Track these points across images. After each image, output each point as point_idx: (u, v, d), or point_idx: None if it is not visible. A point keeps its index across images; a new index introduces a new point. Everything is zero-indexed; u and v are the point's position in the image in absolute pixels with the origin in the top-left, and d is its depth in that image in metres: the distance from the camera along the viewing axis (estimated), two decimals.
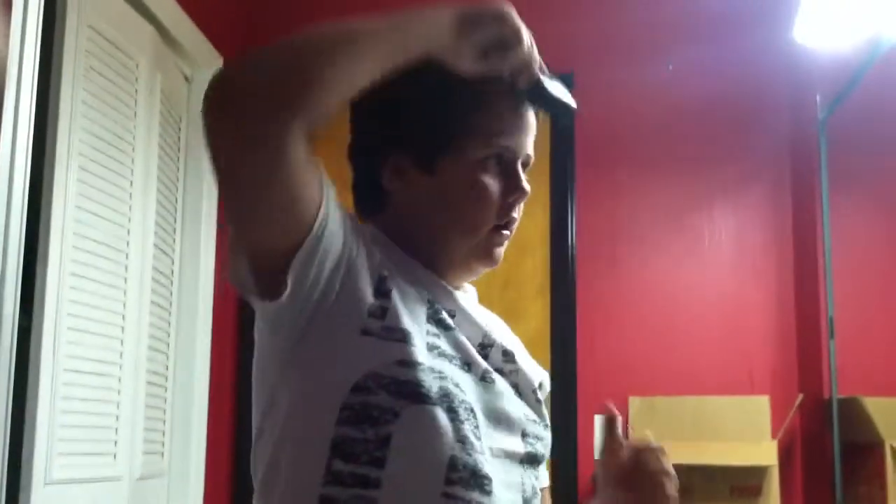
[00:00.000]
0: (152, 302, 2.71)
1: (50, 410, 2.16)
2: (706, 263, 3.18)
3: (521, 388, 1.23)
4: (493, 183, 1.19)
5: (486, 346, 1.21)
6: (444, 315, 1.18)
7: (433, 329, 1.14)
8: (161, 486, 2.87)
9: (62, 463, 2.20)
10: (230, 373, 3.15)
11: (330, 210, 1.07)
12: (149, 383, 2.69)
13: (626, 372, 3.10)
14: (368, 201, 1.24)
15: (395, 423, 1.05)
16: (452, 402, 1.08)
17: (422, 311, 1.15)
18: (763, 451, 2.76)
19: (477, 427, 1.10)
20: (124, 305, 2.51)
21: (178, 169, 3.00)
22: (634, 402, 3.04)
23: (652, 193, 3.23)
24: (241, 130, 0.99)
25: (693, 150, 3.23)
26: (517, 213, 1.23)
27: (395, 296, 1.12)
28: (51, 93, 2.24)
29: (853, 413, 2.74)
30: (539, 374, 1.28)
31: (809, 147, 3.02)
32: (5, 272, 1.93)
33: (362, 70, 1.03)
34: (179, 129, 3.03)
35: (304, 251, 1.05)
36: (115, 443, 2.47)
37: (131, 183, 2.57)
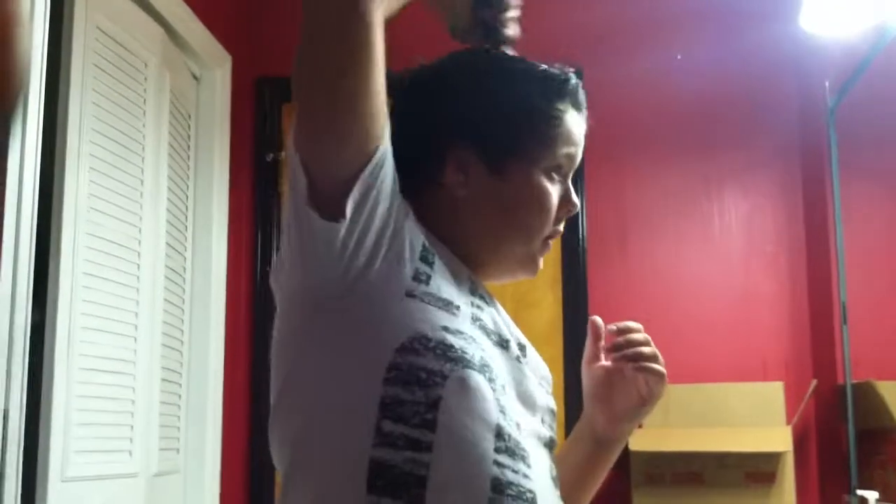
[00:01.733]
0: (165, 300, 2.73)
1: (65, 408, 2.18)
2: (717, 251, 3.18)
3: (535, 380, 1.22)
4: (554, 194, 1.20)
5: (508, 335, 1.20)
6: (484, 293, 1.18)
7: (476, 301, 1.14)
8: (177, 483, 2.89)
9: (78, 460, 2.22)
10: (244, 369, 3.16)
11: (388, 148, 1.06)
12: (163, 380, 2.71)
13: None
14: (409, 188, 1.14)
15: (444, 387, 1.03)
16: (492, 373, 1.07)
17: (465, 283, 1.14)
18: (777, 438, 2.75)
19: (510, 401, 1.09)
20: (137, 304, 2.53)
21: (188, 167, 3.02)
22: None
23: (662, 183, 3.23)
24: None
25: (702, 140, 3.23)
26: (562, 226, 1.24)
27: (439, 264, 1.11)
28: (60, 94, 2.25)
29: (867, 398, 2.73)
30: (546, 368, 1.28)
31: (819, 134, 3.01)
32: (17, 271, 1.95)
33: None
34: (189, 128, 3.04)
35: (364, 179, 1.03)
36: (131, 440, 2.49)
37: (142, 182, 2.58)
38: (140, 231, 2.56)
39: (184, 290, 2.96)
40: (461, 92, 1.19)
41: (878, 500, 2.43)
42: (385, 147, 1.06)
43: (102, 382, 2.36)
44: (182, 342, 2.93)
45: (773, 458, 2.74)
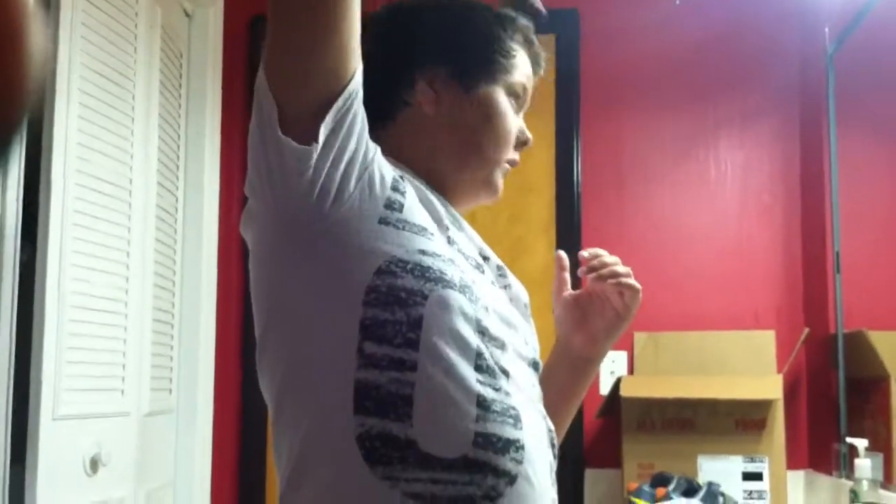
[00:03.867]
0: (157, 239, 2.71)
1: (56, 346, 2.17)
2: (712, 199, 3.16)
3: (515, 302, 1.27)
4: (514, 119, 1.28)
5: (484, 258, 1.24)
6: (457, 216, 1.22)
7: (451, 225, 1.17)
8: (169, 422, 2.90)
9: (69, 399, 2.22)
10: (236, 308, 3.16)
11: (360, 80, 1.08)
12: (155, 320, 2.70)
13: None
14: (379, 111, 1.21)
15: (426, 306, 1.05)
16: (472, 294, 1.10)
17: (440, 209, 1.17)
18: (768, 386, 2.76)
19: (493, 322, 1.12)
20: (129, 242, 2.51)
21: (179, 105, 2.98)
22: (640, 338, 3.04)
23: (657, 130, 3.21)
24: None
25: (699, 86, 3.20)
26: (518, 156, 1.31)
27: (411, 193, 1.14)
28: (49, 27, 2.21)
29: (859, 347, 2.74)
30: (525, 292, 1.33)
31: (817, 81, 2.98)
32: (5, 209, 1.93)
33: None
34: (181, 66, 3.00)
35: (337, 107, 1.05)
36: (123, 379, 2.49)
37: (133, 120, 2.55)
38: (131, 169, 2.54)
39: (175, 231, 2.94)
40: (430, 17, 1.28)
41: (866, 449, 2.44)
42: (358, 79, 1.07)
43: (93, 321, 2.35)
44: (174, 282, 2.92)
45: (764, 406, 2.75)
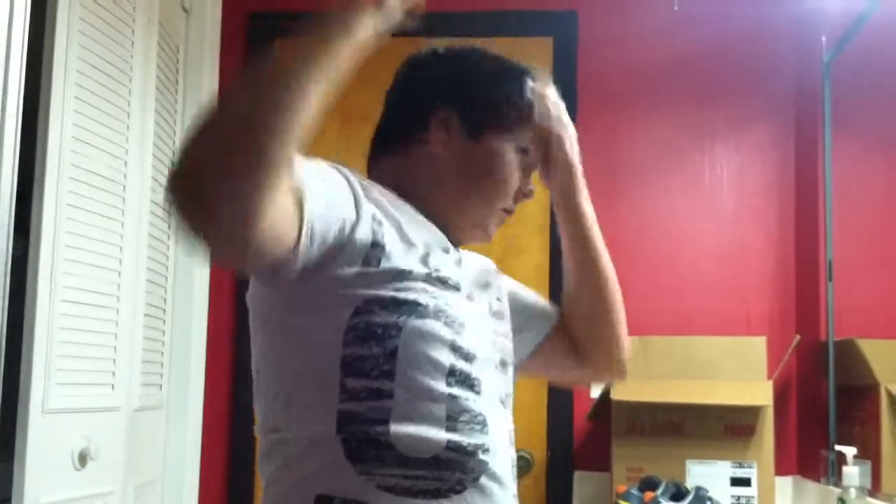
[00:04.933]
0: (150, 234, 2.71)
1: (47, 340, 2.16)
2: (707, 204, 3.17)
3: (482, 287, 1.37)
4: (517, 172, 1.38)
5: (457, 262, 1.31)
6: (448, 243, 1.31)
7: (433, 253, 1.24)
8: (159, 418, 2.89)
9: (59, 392, 2.21)
10: (228, 305, 3.15)
11: (317, 211, 1.09)
12: (147, 315, 2.70)
13: None
14: (395, 140, 1.37)
15: (400, 337, 1.15)
16: (447, 317, 1.19)
17: (422, 236, 1.24)
18: (758, 392, 2.76)
19: (466, 338, 1.22)
20: (122, 237, 2.51)
21: (175, 101, 2.98)
22: (631, 342, 3.04)
23: (653, 133, 3.21)
24: (218, 215, 0.95)
25: (696, 91, 3.20)
26: (515, 207, 1.41)
27: (391, 234, 1.19)
28: (46, 22, 2.21)
29: (849, 355, 2.74)
30: (484, 260, 1.45)
31: (814, 89, 2.99)
32: None
33: (302, 105, 1.04)
34: (178, 61, 3.00)
35: (303, 244, 1.08)
36: (113, 374, 2.48)
37: (128, 115, 2.55)
38: (125, 164, 2.54)
39: (168, 226, 2.93)
40: (451, 66, 1.40)
41: (855, 456, 2.45)
42: (310, 220, 1.08)
43: (85, 315, 2.35)
44: (166, 277, 2.92)
45: (753, 412, 2.75)
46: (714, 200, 3.16)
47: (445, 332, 1.19)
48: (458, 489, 1.17)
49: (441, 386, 1.17)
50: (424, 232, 1.27)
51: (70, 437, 2.28)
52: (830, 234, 2.86)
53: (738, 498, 2.73)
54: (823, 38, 2.92)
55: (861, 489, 2.39)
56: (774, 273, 3.11)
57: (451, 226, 1.35)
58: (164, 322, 2.91)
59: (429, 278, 1.20)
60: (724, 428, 2.77)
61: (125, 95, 2.53)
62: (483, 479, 1.20)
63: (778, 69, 3.18)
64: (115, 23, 2.48)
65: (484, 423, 1.21)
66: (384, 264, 1.17)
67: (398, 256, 1.18)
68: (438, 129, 1.34)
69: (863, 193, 2.88)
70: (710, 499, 2.57)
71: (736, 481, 2.74)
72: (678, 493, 2.58)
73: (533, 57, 3.21)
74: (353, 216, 1.15)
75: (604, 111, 3.20)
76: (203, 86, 3.08)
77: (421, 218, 1.29)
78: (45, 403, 2.16)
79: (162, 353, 2.89)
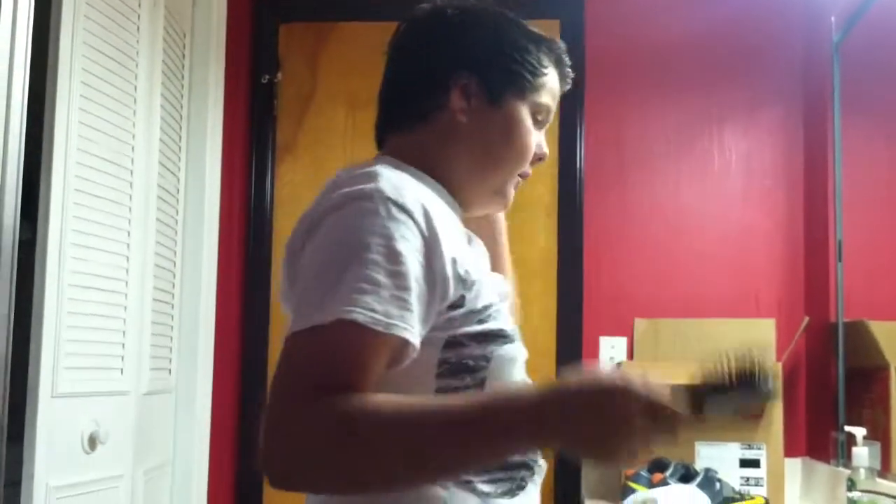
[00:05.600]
0: (158, 219, 2.72)
1: (56, 324, 2.17)
2: (715, 186, 3.16)
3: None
4: (534, 135, 1.36)
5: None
6: (465, 231, 1.32)
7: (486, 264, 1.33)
8: (168, 402, 2.90)
9: (68, 377, 2.22)
10: (236, 288, 3.16)
11: (414, 329, 1.10)
12: (155, 300, 2.71)
13: (632, 294, 3.10)
14: (411, 113, 1.33)
15: (489, 368, 1.19)
16: (515, 335, 1.25)
17: (463, 236, 1.27)
18: None
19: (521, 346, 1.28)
20: (129, 222, 2.52)
21: (182, 86, 2.98)
22: (640, 324, 3.04)
23: (662, 116, 3.20)
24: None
25: (705, 73, 3.19)
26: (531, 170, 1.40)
27: (468, 282, 1.18)
28: (52, 7, 2.21)
29: (859, 337, 2.73)
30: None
31: (822, 70, 2.97)
32: (5, 186, 1.92)
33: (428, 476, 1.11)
34: (184, 46, 3.00)
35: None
36: (122, 358, 2.49)
37: (135, 100, 2.55)
38: (132, 149, 2.54)
39: (177, 211, 2.94)
40: (470, 26, 1.34)
41: (865, 437, 2.44)
42: (410, 337, 1.09)
43: (93, 300, 2.35)
44: (174, 262, 2.92)
45: None
46: (722, 182, 3.15)
47: (518, 353, 1.25)
48: (522, 486, 1.23)
49: None
50: (470, 248, 1.29)
51: (79, 420, 2.29)
52: (840, 215, 2.85)
53: (748, 479, 2.73)
54: (832, 19, 2.90)
55: (870, 470, 2.38)
56: (783, 255, 3.10)
57: (471, 196, 1.35)
58: (173, 306, 2.91)
59: (500, 300, 1.24)
60: (732, 410, 2.76)
61: (132, 80, 2.53)
62: (536, 475, 1.26)
63: (786, 50, 3.16)
64: (121, 8, 2.48)
65: None
66: (469, 306, 1.18)
67: (476, 297, 1.20)
68: (459, 97, 1.30)
69: (872, 174, 2.86)
70: (719, 480, 2.57)
71: (745, 462, 2.74)
72: (687, 474, 2.58)
73: None
74: (438, 301, 1.16)
75: (611, 94, 3.19)
76: (209, 70, 3.08)
77: (455, 221, 1.27)
78: (54, 387, 2.16)
79: (171, 338, 2.90)
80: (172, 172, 2.88)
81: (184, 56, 2.99)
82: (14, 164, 1.95)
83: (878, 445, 2.51)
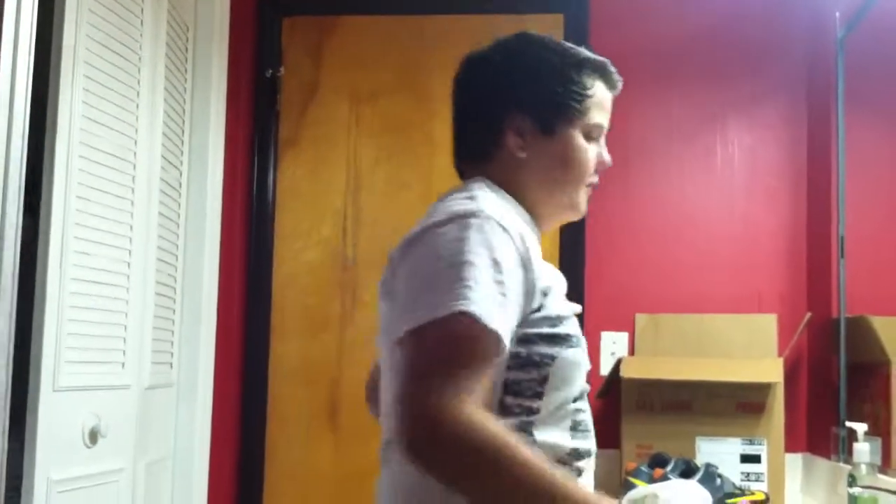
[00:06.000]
0: (160, 213, 2.72)
1: (58, 318, 2.17)
2: (718, 182, 3.15)
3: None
4: (591, 150, 1.53)
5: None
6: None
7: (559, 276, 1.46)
8: (170, 396, 2.91)
9: (70, 370, 2.23)
10: (239, 284, 3.16)
11: (506, 329, 1.26)
12: (157, 294, 2.71)
13: (633, 289, 3.10)
14: (477, 151, 1.51)
15: (553, 365, 1.35)
16: (581, 342, 1.41)
17: (554, 274, 1.43)
18: (769, 369, 2.76)
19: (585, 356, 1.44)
20: (132, 216, 2.52)
21: (185, 79, 2.98)
22: (641, 319, 3.04)
23: (665, 111, 3.19)
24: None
25: (708, 69, 3.18)
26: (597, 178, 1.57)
27: (552, 287, 1.37)
28: (55, 1, 2.21)
29: (860, 332, 2.73)
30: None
31: (827, 66, 2.96)
32: (8, 181, 1.93)
33: None
34: (187, 39, 3.00)
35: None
36: (124, 352, 2.49)
37: (138, 94, 2.55)
38: (135, 143, 2.54)
39: (179, 205, 2.94)
40: (512, 71, 1.50)
41: (865, 433, 2.44)
42: (504, 338, 1.24)
43: (95, 294, 2.35)
44: (177, 256, 2.93)
45: (764, 389, 2.75)
46: (726, 178, 3.15)
47: (582, 359, 1.40)
48: (580, 473, 1.39)
49: (572, 401, 1.39)
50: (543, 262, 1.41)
51: (81, 414, 2.30)
52: (843, 211, 2.85)
53: (748, 475, 2.73)
54: (837, 14, 2.90)
55: (871, 466, 2.38)
56: (786, 250, 3.10)
57: (545, 213, 1.52)
58: (175, 301, 2.92)
59: (571, 312, 1.40)
60: (734, 405, 2.77)
61: (134, 74, 2.53)
62: (585, 475, 1.41)
63: (790, 45, 3.16)
64: (124, 1, 2.48)
65: (589, 428, 1.42)
66: (545, 312, 1.35)
67: (551, 305, 1.36)
68: (514, 136, 1.47)
69: (875, 170, 2.86)
70: (719, 475, 2.57)
71: (746, 458, 2.74)
72: (688, 469, 2.58)
73: (542, 31, 3.20)
74: (528, 307, 1.33)
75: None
76: (212, 64, 3.08)
77: (535, 238, 1.46)
78: (55, 381, 2.17)
79: (172, 332, 2.90)
80: (175, 166, 2.89)
81: (187, 50, 2.99)
82: (17, 157, 1.95)
83: (878, 441, 2.51)
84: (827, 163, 2.94)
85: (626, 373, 2.78)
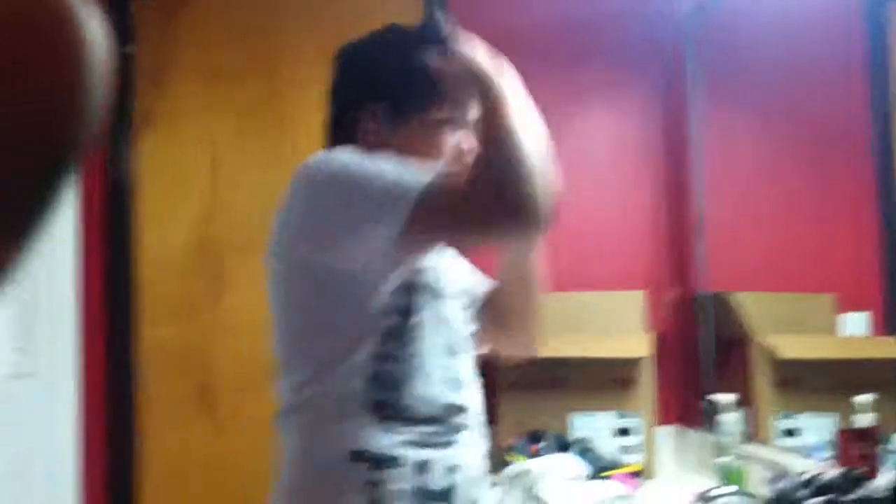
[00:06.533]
0: None
1: None
2: (582, 165, 3.20)
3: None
4: (442, 141, 1.55)
5: None
6: None
7: None
8: (32, 387, 2.78)
9: None
10: (98, 264, 3.04)
11: None
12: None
13: None
14: (341, 135, 1.57)
15: (420, 314, 1.46)
16: (444, 298, 1.55)
17: None
18: (638, 344, 2.82)
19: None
20: None
21: None
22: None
23: (529, 93, 3.21)
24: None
25: (570, 51, 3.22)
26: None
27: None
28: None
29: (722, 307, 2.83)
30: None
31: (678, 47, 3.05)
32: None
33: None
34: None
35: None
36: None
37: None
38: None
39: None
40: (365, 62, 1.60)
41: (732, 404, 2.53)
42: None
43: None
44: None
45: (634, 364, 2.81)
46: (591, 162, 3.20)
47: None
48: (450, 441, 1.47)
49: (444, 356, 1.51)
50: None
51: None
52: (702, 191, 2.94)
53: (623, 448, 2.79)
54: None
55: (738, 435, 2.47)
56: (650, 230, 3.17)
57: None
58: (31, 290, 2.79)
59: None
60: (606, 380, 2.82)
61: None
62: (463, 433, 1.51)
63: (641, 26, 3.22)
64: None
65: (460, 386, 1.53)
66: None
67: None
68: (367, 120, 1.54)
69: (731, 148, 2.96)
70: (590, 449, 2.62)
71: (620, 431, 2.80)
72: (563, 445, 2.63)
73: (400, 13, 3.17)
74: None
75: None
76: None
77: None
78: None
79: (32, 322, 2.77)
80: None
81: None
82: None
83: (743, 412, 2.60)
84: (684, 144, 3.03)
85: (501, 351, 2.79)
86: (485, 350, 1.85)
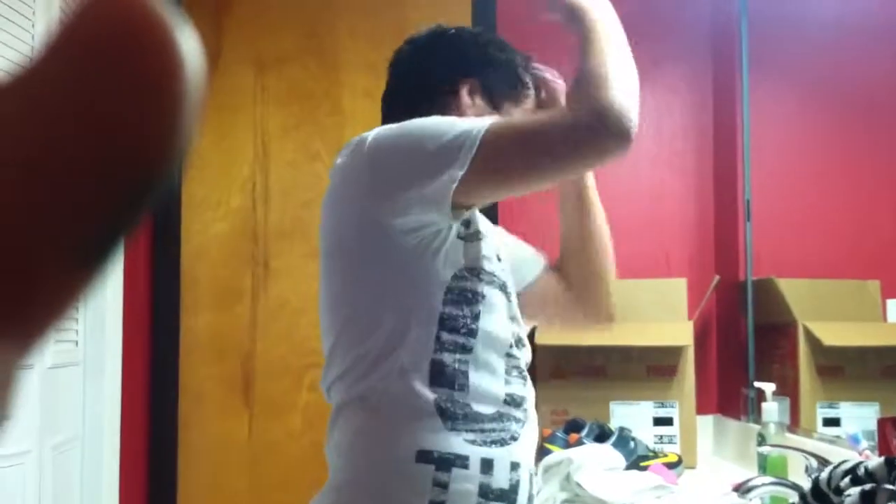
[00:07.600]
0: None
1: None
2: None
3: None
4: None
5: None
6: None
7: (489, 227, 1.58)
8: (76, 375, 2.83)
9: None
10: (145, 256, 3.08)
11: None
12: None
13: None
14: (418, 104, 1.55)
15: (483, 303, 1.44)
16: (507, 288, 1.54)
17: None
18: (679, 332, 2.79)
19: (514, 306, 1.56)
20: None
21: None
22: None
23: (568, 77, 3.19)
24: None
25: None
26: None
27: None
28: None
29: (768, 294, 2.78)
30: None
31: (731, 28, 2.99)
32: None
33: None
34: None
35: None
36: None
37: (34, 12, 2.46)
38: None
39: None
40: (467, 42, 1.66)
41: (774, 393, 2.49)
42: None
43: None
44: None
45: (674, 352, 2.78)
46: (633, 145, 3.16)
47: (504, 304, 1.51)
48: (515, 437, 1.45)
49: (506, 345, 1.48)
50: None
51: None
52: (749, 174, 2.89)
53: (661, 437, 2.76)
54: None
55: (780, 425, 2.43)
56: (694, 214, 3.13)
57: None
58: None
59: (488, 241, 1.54)
60: (646, 369, 2.80)
61: (28, 42, 2.44)
62: (526, 427, 1.49)
63: (693, 7, 3.18)
64: None
65: (525, 379, 1.53)
66: (473, 228, 1.50)
67: (480, 220, 1.55)
68: (467, 94, 1.58)
69: (780, 133, 2.90)
70: (633, 438, 2.60)
71: (658, 421, 2.77)
72: (602, 433, 2.60)
73: (451, 8, 3.16)
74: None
75: None
76: None
77: None
78: None
79: (76, 309, 2.81)
80: None
81: None
82: None
83: (787, 401, 2.56)
84: (732, 126, 2.98)
85: (540, 339, 2.78)
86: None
